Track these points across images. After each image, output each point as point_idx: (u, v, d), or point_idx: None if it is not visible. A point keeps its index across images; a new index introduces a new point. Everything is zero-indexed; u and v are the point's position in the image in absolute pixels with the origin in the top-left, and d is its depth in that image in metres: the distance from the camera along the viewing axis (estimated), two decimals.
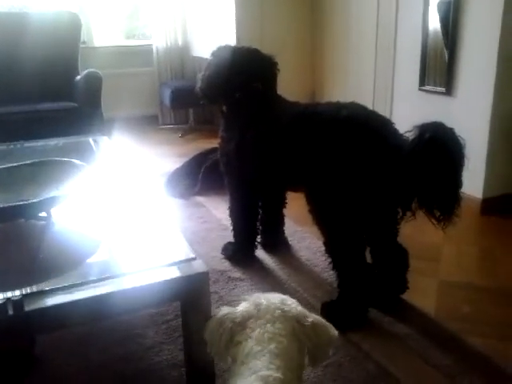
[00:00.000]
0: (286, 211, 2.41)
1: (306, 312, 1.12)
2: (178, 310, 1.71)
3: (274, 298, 1.13)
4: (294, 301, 1.14)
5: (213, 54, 2.22)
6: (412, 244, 2.45)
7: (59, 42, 3.82)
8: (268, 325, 1.05)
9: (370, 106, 3.57)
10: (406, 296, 1.95)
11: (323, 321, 1.13)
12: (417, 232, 2.60)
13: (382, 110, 3.43)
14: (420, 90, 3.10)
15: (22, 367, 1.56)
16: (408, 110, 3.25)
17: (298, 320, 1.08)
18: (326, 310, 1.80)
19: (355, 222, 1.74)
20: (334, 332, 1.13)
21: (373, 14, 3.42)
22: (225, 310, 1.13)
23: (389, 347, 1.66)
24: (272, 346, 1.01)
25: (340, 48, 3.83)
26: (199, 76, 2.25)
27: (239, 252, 2.28)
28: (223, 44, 2.27)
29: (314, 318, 1.11)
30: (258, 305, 1.10)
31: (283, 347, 1.02)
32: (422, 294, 2.00)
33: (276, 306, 1.09)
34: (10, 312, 1.07)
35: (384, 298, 1.91)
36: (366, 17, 3.50)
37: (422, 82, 3.08)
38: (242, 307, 1.11)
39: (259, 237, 2.34)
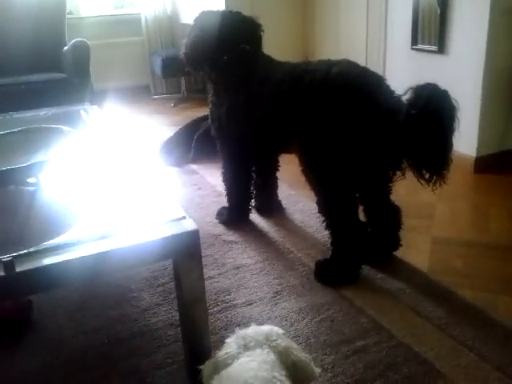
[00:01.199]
0: (279, 175, 2.41)
1: (290, 348, 1.12)
2: (172, 272, 1.72)
3: (259, 333, 1.14)
4: (279, 333, 1.15)
5: (196, 20, 2.19)
6: (406, 202, 2.46)
7: (45, 13, 3.75)
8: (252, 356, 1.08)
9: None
10: (399, 253, 1.97)
11: (305, 359, 1.14)
12: (410, 191, 2.61)
13: (374, 70, 3.38)
14: (412, 49, 3.06)
15: (20, 332, 1.59)
16: (401, 69, 3.21)
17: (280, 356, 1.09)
18: (320, 269, 1.83)
19: (347, 181, 1.74)
20: (315, 371, 1.15)
21: None
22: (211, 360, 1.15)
23: (381, 302, 1.69)
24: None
25: (331, 8, 3.76)
26: (183, 42, 2.22)
27: (234, 216, 2.29)
28: (205, 9, 2.23)
29: (295, 356, 1.12)
30: (248, 343, 1.11)
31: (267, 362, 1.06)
32: (416, 250, 2.02)
33: (262, 343, 1.10)
34: (2, 273, 1.08)
35: (377, 254, 1.92)
36: None
37: (415, 41, 3.04)
38: (228, 349, 1.12)
39: (253, 200, 2.34)
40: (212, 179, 2.85)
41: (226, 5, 3.85)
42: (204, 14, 2.18)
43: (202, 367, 1.15)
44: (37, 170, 1.40)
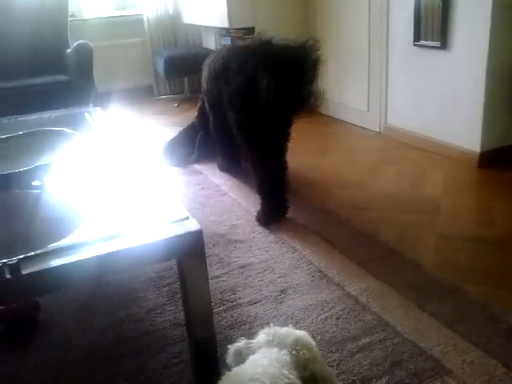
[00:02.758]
0: None
1: (312, 360, 1.11)
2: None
3: (289, 336, 1.14)
4: (309, 343, 1.15)
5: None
6: (410, 197, 2.48)
7: (47, 16, 3.76)
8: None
9: (365, 65, 3.55)
10: (403, 248, 1.97)
11: (327, 374, 1.13)
12: (414, 186, 2.61)
13: (377, 66, 3.40)
14: (415, 45, 3.05)
15: (28, 332, 1.60)
16: (403, 65, 3.20)
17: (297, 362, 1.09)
18: (258, 217, 2.29)
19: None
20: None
21: None
22: (241, 341, 1.16)
23: (386, 299, 1.69)
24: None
25: (333, 6, 3.75)
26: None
27: (224, 163, 2.92)
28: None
29: (316, 367, 1.11)
30: (271, 341, 1.12)
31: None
32: (420, 245, 2.02)
33: (285, 345, 1.10)
34: (8, 276, 1.09)
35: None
36: None
37: (417, 37, 3.03)
38: (257, 340, 1.14)
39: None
40: (215, 179, 2.85)
41: (227, 4, 3.85)
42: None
43: (230, 347, 1.17)
44: (41, 172, 1.41)
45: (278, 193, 2.30)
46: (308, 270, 1.88)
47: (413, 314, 1.61)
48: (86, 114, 2.52)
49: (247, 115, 2.24)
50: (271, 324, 1.20)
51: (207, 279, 1.32)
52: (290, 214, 2.34)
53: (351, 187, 2.65)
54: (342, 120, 3.87)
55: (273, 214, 2.29)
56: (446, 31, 2.83)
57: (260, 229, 2.24)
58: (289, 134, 2.30)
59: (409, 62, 3.15)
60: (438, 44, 2.90)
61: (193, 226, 1.26)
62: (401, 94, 3.28)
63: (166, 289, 1.81)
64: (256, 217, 2.32)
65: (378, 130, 3.53)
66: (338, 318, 1.60)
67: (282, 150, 2.31)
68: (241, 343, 1.17)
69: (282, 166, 2.31)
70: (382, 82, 3.40)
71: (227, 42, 4.17)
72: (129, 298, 1.77)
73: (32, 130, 1.71)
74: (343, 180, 2.76)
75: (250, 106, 2.19)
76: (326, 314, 1.62)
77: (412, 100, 3.19)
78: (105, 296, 1.77)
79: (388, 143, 3.31)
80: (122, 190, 1.55)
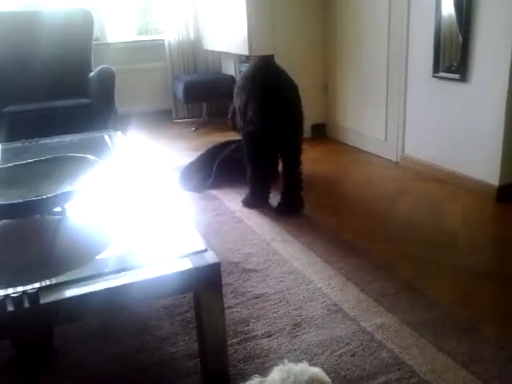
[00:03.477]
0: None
1: None
2: (192, 302, 1.73)
3: (304, 373, 1.12)
4: (323, 379, 1.12)
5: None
6: (426, 230, 2.46)
7: (72, 40, 3.86)
8: None
9: (383, 95, 3.57)
10: (420, 283, 1.95)
11: None
12: (431, 218, 2.59)
13: (395, 96, 3.41)
14: (434, 76, 3.06)
15: (42, 358, 1.60)
16: (422, 96, 3.21)
17: None
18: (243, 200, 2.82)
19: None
20: None
21: (385, 1, 3.37)
22: (255, 379, 1.15)
23: (402, 336, 1.66)
24: None
25: (352, 36, 3.79)
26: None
27: (252, 199, 2.91)
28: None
29: None
30: (287, 378, 1.10)
31: None
32: (436, 281, 1.99)
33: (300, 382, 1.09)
34: (26, 305, 1.10)
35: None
36: (378, 5, 3.46)
37: (436, 68, 3.04)
38: (271, 377, 1.12)
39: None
40: (231, 205, 2.86)
41: (248, 33, 3.92)
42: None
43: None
44: (63, 199, 1.43)
45: (288, 189, 2.75)
46: (323, 303, 1.86)
47: (429, 353, 1.58)
48: (107, 138, 2.57)
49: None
50: (285, 360, 1.19)
51: (223, 312, 1.32)
52: (305, 243, 2.34)
53: (368, 217, 2.64)
54: (359, 148, 3.88)
55: (255, 199, 2.82)
56: (466, 64, 2.84)
57: (275, 258, 2.23)
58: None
59: (427, 93, 3.16)
60: (457, 76, 2.91)
61: (211, 258, 1.26)
62: (419, 125, 3.28)
63: (179, 318, 1.80)
64: (242, 201, 2.87)
65: (395, 159, 3.53)
66: (353, 355, 1.58)
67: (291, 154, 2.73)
68: (254, 381, 1.16)
69: (293, 165, 2.72)
70: (400, 111, 3.41)
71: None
72: (142, 326, 1.76)
73: (54, 156, 1.73)
74: (360, 209, 2.75)
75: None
76: (341, 350, 1.60)
77: (430, 131, 3.19)
78: (118, 323, 1.77)
79: (405, 173, 3.30)
80: (141, 218, 1.56)
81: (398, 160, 3.50)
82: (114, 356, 1.62)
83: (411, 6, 3.18)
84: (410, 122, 3.36)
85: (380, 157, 3.65)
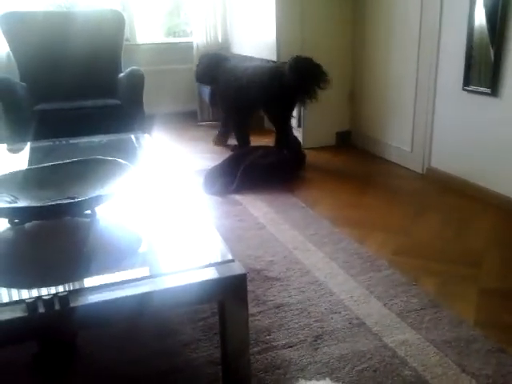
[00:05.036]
0: (322, 211, 2.41)
1: None
2: (213, 307, 1.74)
3: None
4: None
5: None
6: (452, 247, 2.42)
7: (103, 40, 3.92)
8: None
9: (411, 105, 3.54)
10: (444, 301, 1.92)
11: None
12: (457, 234, 2.55)
13: (423, 107, 3.38)
14: (464, 90, 3.02)
15: (65, 357, 1.63)
16: (451, 110, 3.17)
17: None
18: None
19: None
20: None
21: (416, 11, 3.35)
22: None
23: (425, 355, 1.64)
24: None
25: (381, 45, 3.77)
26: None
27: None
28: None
29: None
30: None
31: None
32: (462, 300, 1.96)
33: None
34: (57, 307, 1.12)
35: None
36: (409, 13, 3.43)
37: (467, 81, 3.00)
38: None
39: None
40: (255, 211, 2.87)
41: (277, 37, 3.93)
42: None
43: None
44: (94, 203, 1.45)
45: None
46: (345, 315, 1.85)
47: (452, 373, 1.56)
48: (135, 140, 2.60)
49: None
50: (307, 374, 1.18)
51: (247, 323, 1.32)
52: (327, 254, 2.33)
53: (391, 230, 2.62)
54: (383, 158, 3.85)
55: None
56: (498, 78, 2.80)
57: (297, 267, 2.22)
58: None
59: (457, 106, 3.12)
60: (488, 90, 2.87)
61: (238, 269, 1.27)
62: (447, 137, 3.24)
63: (201, 323, 1.81)
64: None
65: (420, 171, 3.49)
66: (374, 371, 1.57)
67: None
68: None
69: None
70: (427, 123, 3.37)
71: None
72: (165, 329, 1.78)
73: (85, 158, 1.76)
74: (383, 222, 2.72)
75: None
76: (363, 366, 1.59)
77: (458, 144, 3.15)
78: (141, 326, 1.79)
79: (430, 186, 3.26)
80: (169, 224, 1.58)
81: (424, 172, 3.46)
82: (136, 358, 1.63)
83: (443, 17, 3.14)
84: (437, 134, 3.33)
85: (405, 168, 3.61)
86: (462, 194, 3.08)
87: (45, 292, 1.16)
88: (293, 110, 3.67)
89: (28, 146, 2.56)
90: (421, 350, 1.67)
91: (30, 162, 2.31)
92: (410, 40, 3.44)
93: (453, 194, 3.10)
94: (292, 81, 3.37)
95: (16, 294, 1.19)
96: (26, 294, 1.17)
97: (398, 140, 3.69)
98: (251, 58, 4.42)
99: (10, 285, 1.24)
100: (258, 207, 2.93)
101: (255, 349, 1.66)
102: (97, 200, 1.45)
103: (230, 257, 1.32)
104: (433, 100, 3.30)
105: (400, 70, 3.59)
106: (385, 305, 1.92)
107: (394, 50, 3.64)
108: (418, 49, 3.37)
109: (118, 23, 3.98)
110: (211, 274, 1.26)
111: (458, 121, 3.12)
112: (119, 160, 1.70)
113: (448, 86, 3.16)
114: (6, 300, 1.16)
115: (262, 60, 4.09)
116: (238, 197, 3.09)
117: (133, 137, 2.70)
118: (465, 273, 2.17)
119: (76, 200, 1.41)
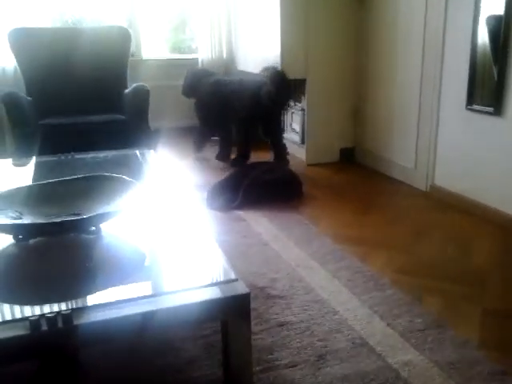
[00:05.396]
0: (325, 228, 2.41)
1: None
2: (215, 325, 1.73)
3: None
4: None
5: None
6: (455, 266, 2.41)
7: (109, 56, 3.96)
8: None
9: (414, 123, 3.55)
10: (448, 321, 1.91)
11: None
12: (461, 253, 2.55)
13: (427, 125, 3.39)
14: (467, 109, 3.03)
15: (67, 373, 1.62)
16: (454, 127, 3.18)
17: None
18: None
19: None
20: None
21: (419, 30, 3.38)
22: None
23: (429, 376, 1.63)
24: None
25: (385, 62, 3.80)
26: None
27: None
28: None
29: None
30: None
31: None
32: (465, 321, 1.95)
33: None
34: (60, 325, 1.12)
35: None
36: (412, 33, 3.46)
37: (470, 101, 3.02)
38: None
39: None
40: (258, 227, 2.87)
41: (281, 54, 3.96)
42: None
43: None
44: (100, 220, 1.46)
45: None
46: (348, 335, 1.84)
47: None
48: (140, 156, 2.62)
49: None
50: None
51: (250, 342, 1.32)
52: (330, 271, 2.32)
53: (394, 248, 2.61)
54: (387, 175, 3.86)
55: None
56: (501, 97, 2.81)
57: (300, 285, 2.22)
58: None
59: (460, 124, 3.13)
60: (491, 110, 2.88)
61: (241, 289, 1.27)
62: (450, 155, 3.25)
63: (202, 341, 1.80)
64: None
65: (424, 188, 3.49)
66: None
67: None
68: None
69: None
70: (431, 140, 3.38)
71: None
72: (166, 346, 1.77)
73: (91, 175, 1.77)
74: (386, 240, 2.72)
75: None
76: None
77: (462, 162, 3.15)
78: (144, 341, 1.78)
79: (434, 204, 3.26)
80: (173, 242, 1.58)
81: (428, 189, 3.46)
82: (138, 376, 1.62)
83: (446, 35, 3.17)
84: (441, 152, 3.33)
85: (409, 185, 3.62)
86: (465, 211, 3.07)
87: (48, 309, 1.17)
88: (278, 122, 3.95)
89: (33, 161, 2.58)
90: (424, 371, 1.65)
91: (35, 178, 2.33)
92: (414, 59, 3.46)
93: (455, 211, 3.10)
94: (274, 94, 3.60)
95: (19, 312, 1.19)
96: (28, 311, 1.17)
97: (402, 157, 3.70)
98: (239, 73, 4.67)
99: (13, 302, 1.24)
100: (262, 223, 2.93)
101: (258, 368, 1.65)
102: (102, 217, 1.45)
103: (233, 276, 1.32)
104: (436, 118, 3.32)
105: (404, 88, 3.61)
106: (388, 324, 1.91)
107: (398, 67, 3.67)
108: (422, 67, 3.40)
109: (124, 40, 4.03)
110: (214, 293, 1.26)
111: (462, 139, 3.13)
112: (124, 177, 1.71)
113: (451, 105, 3.18)
114: (8, 317, 1.16)
115: (244, 74, 4.49)
116: (241, 213, 3.09)
117: (138, 152, 2.72)
118: (468, 292, 2.16)
119: (81, 217, 1.41)
